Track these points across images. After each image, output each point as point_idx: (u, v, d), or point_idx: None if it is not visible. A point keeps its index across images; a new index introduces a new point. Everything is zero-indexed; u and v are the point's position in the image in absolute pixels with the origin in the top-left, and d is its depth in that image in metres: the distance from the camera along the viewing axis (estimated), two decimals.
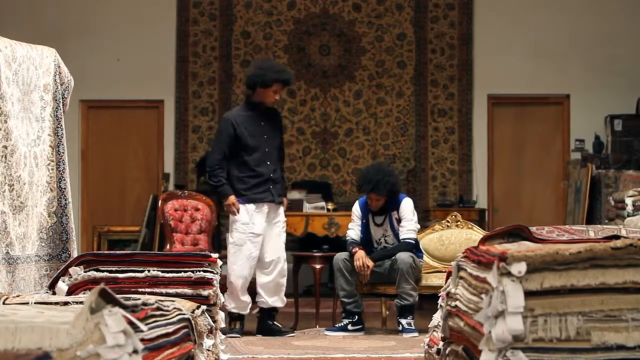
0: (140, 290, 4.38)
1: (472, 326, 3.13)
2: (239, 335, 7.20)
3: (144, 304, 2.94)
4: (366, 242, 7.79)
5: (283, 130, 7.82)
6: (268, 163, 7.31)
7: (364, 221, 7.80)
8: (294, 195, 9.40)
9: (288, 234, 7.78)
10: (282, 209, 7.42)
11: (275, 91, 7.28)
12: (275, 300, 7.35)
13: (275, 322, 7.43)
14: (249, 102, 7.41)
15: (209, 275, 4.48)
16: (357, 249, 7.61)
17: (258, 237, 7.24)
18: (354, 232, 7.81)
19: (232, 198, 7.20)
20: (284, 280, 7.39)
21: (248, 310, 7.38)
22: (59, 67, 5.32)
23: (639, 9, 11.50)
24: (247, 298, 7.32)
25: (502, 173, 11.60)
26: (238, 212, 7.20)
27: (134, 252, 5.11)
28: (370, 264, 7.57)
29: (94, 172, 11.56)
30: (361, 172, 8.03)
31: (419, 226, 7.89)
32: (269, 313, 7.40)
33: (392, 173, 7.78)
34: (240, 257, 7.20)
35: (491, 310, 2.92)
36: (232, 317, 7.31)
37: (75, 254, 5.14)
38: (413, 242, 7.72)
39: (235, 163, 7.28)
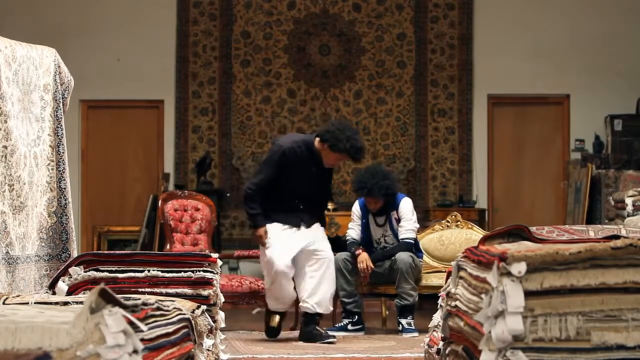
0: (140, 290, 4.39)
1: (472, 326, 3.13)
2: (275, 336, 7.03)
3: (144, 304, 2.94)
4: (366, 241, 7.80)
5: (331, 179, 7.37)
6: (301, 207, 6.96)
7: (364, 221, 7.81)
8: None
9: None
10: (317, 226, 7.07)
11: (339, 159, 7.01)
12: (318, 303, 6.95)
13: (317, 327, 7.01)
14: (310, 143, 6.97)
15: (209, 275, 4.48)
16: (360, 250, 7.62)
17: (291, 248, 6.85)
18: (354, 232, 7.81)
19: (262, 230, 6.86)
20: (328, 280, 7.02)
21: (285, 309, 7.09)
22: (59, 67, 5.32)
23: (639, 9, 11.50)
24: (288, 294, 6.93)
25: (502, 173, 11.60)
26: (265, 244, 6.85)
27: (134, 252, 5.11)
28: (373, 266, 7.59)
29: (94, 172, 11.56)
30: (356, 176, 8.00)
31: (418, 226, 7.89)
32: (312, 318, 7.00)
33: (387, 176, 7.73)
34: (273, 269, 6.79)
35: (491, 310, 2.92)
36: (269, 317, 7.07)
37: (75, 254, 5.14)
38: (412, 241, 7.72)
39: (272, 189, 6.94)
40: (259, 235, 6.88)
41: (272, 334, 7.10)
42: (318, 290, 6.93)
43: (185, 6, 11.56)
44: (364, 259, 7.55)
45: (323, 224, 7.22)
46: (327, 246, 7.06)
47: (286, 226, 6.92)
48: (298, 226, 6.94)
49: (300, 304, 6.99)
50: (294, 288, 7.02)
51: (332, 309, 7.11)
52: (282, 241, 6.84)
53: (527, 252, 2.94)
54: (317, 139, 6.97)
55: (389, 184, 7.64)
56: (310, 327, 6.96)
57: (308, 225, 6.99)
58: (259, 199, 6.93)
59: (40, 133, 5.13)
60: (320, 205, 7.19)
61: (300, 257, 6.96)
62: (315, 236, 7.00)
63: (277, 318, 7.08)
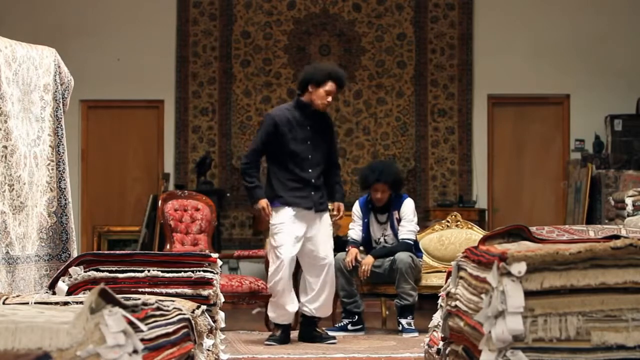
0: (140, 290, 4.39)
1: (472, 326, 3.13)
2: (275, 344, 6.75)
3: (144, 304, 2.94)
4: (366, 241, 7.82)
5: (334, 136, 7.15)
6: (310, 170, 6.78)
7: (365, 220, 7.82)
8: None
9: None
10: (326, 217, 6.92)
11: (328, 92, 6.73)
12: (318, 308, 6.88)
13: (317, 329, 6.97)
14: (297, 101, 6.86)
15: (209, 275, 4.48)
16: (350, 247, 7.71)
17: (299, 241, 6.75)
18: (354, 232, 7.83)
19: (263, 202, 6.72)
20: (329, 286, 6.94)
21: (291, 321, 6.93)
22: (59, 67, 5.32)
23: (639, 9, 11.50)
24: (290, 307, 6.82)
25: (502, 173, 11.60)
26: (269, 215, 6.73)
27: (134, 252, 5.11)
28: (370, 261, 7.62)
29: (94, 172, 11.56)
30: (364, 168, 8.06)
31: (418, 228, 7.91)
32: (310, 319, 6.95)
33: (395, 167, 7.86)
34: (281, 259, 6.68)
35: (491, 310, 2.92)
36: (275, 324, 6.93)
37: (75, 254, 5.15)
38: (412, 242, 7.73)
39: (276, 164, 6.81)
40: (261, 207, 6.73)
41: (274, 340, 6.87)
42: (319, 298, 6.88)
43: (185, 6, 11.56)
44: (351, 253, 7.63)
45: (341, 197, 7.00)
46: (329, 250, 6.93)
47: (297, 210, 6.73)
48: (310, 208, 6.75)
49: (300, 305, 6.92)
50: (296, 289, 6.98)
51: (331, 311, 7.06)
52: (289, 230, 6.70)
53: (527, 252, 2.94)
54: (299, 91, 6.87)
55: (397, 171, 7.75)
56: (309, 328, 6.94)
57: (318, 209, 6.80)
58: (255, 171, 6.85)
59: (40, 133, 5.13)
60: (329, 173, 6.95)
61: (303, 258, 6.89)
62: (320, 236, 6.86)
63: (278, 331, 6.90)
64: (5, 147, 4.80)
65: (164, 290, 4.42)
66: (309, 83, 6.76)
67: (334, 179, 7.00)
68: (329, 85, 6.73)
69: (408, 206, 7.76)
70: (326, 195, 6.93)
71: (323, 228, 6.87)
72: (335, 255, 7.66)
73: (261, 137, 6.84)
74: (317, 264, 6.85)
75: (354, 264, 7.63)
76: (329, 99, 6.77)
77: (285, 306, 6.79)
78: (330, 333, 7.20)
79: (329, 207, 7.05)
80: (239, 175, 11.48)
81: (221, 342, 4.61)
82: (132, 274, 4.47)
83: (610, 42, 11.43)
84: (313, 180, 6.78)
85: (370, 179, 7.68)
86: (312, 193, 6.78)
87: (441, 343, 3.81)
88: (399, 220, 7.73)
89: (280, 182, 6.78)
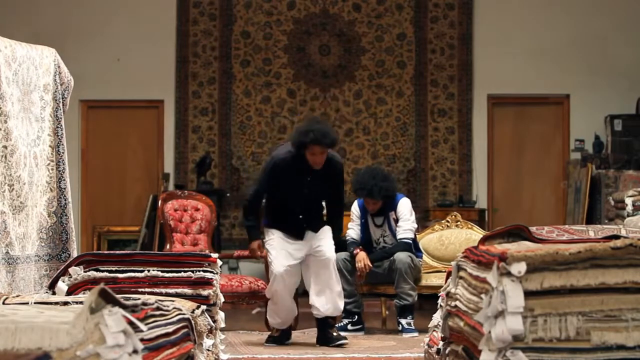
0: (140, 290, 4.39)
1: (472, 326, 3.13)
2: (274, 345, 6.77)
3: (144, 304, 2.94)
4: (365, 242, 7.80)
5: (340, 183, 6.96)
6: (300, 217, 6.78)
7: (363, 221, 7.81)
8: None
9: None
10: (325, 231, 6.88)
11: (313, 153, 6.64)
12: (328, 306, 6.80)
13: (329, 330, 6.84)
14: (298, 152, 6.75)
15: (208, 275, 4.48)
16: (358, 250, 7.61)
17: (293, 254, 6.74)
18: (354, 231, 7.81)
19: (255, 244, 6.90)
20: (334, 283, 6.82)
21: (285, 326, 6.90)
22: (58, 67, 5.32)
23: (639, 9, 11.50)
24: (287, 314, 6.83)
25: (502, 173, 11.60)
26: (260, 256, 6.99)
27: (134, 252, 5.11)
28: (371, 265, 7.58)
29: (94, 172, 11.56)
30: (356, 176, 7.98)
31: (416, 225, 7.89)
32: (324, 322, 6.85)
33: (386, 177, 7.71)
34: (273, 272, 6.71)
35: (491, 310, 2.91)
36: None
37: (75, 254, 5.15)
38: (411, 241, 7.72)
39: (272, 197, 6.86)
40: (252, 248, 6.93)
41: (272, 341, 6.89)
42: (323, 296, 6.80)
43: (185, 6, 11.56)
44: (361, 258, 7.55)
45: (337, 231, 7.00)
46: (328, 244, 6.83)
47: (288, 236, 6.81)
48: (300, 238, 6.79)
49: (313, 310, 6.85)
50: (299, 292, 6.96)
51: (342, 307, 6.91)
52: (281, 246, 6.75)
53: (527, 252, 2.94)
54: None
55: (388, 185, 7.64)
56: (323, 331, 6.86)
57: (313, 231, 6.83)
58: (255, 211, 6.93)
59: (40, 133, 5.13)
60: (321, 216, 6.98)
61: (307, 257, 6.85)
62: (319, 234, 6.83)
63: (277, 332, 6.92)
64: (5, 147, 4.80)
65: (163, 290, 4.42)
66: (295, 144, 6.71)
67: (332, 219, 6.97)
68: (313, 149, 6.65)
69: (404, 205, 7.74)
70: (321, 227, 6.91)
71: (321, 232, 6.85)
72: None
73: (266, 179, 6.84)
74: (319, 261, 6.80)
75: (367, 270, 7.55)
76: (320, 158, 6.69)
77: (282, 314, 6.84)
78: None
79: None
80: (239, 175, 11.50)
81: (221, 342, 4.61)
82: (132, 274, 4.47)
83: (610, 42, 11.43)
84: (302, 217, 6.80)
85: (359, 195, 7.71)
86: (302, 226, 6.80)
87: (441, 343, 3.81)
88: (397, 220, 7.72)
89: (273, 214, 6.87)
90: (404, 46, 11.56)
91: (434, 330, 4.33)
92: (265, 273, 7.79)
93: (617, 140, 10.84)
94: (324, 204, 7.03)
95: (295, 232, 6.80)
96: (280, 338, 6.88)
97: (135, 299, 2.94)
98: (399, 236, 7.69)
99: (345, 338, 6.81)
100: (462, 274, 3.40)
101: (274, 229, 6.84)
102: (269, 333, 7.08)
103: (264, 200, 7.00)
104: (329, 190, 6.88)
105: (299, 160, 6.73)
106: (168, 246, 8.19)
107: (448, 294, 3.56)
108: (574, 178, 10.80)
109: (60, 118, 5.28)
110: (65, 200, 5.23)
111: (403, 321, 7.54)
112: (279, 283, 6.72)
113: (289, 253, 6.76)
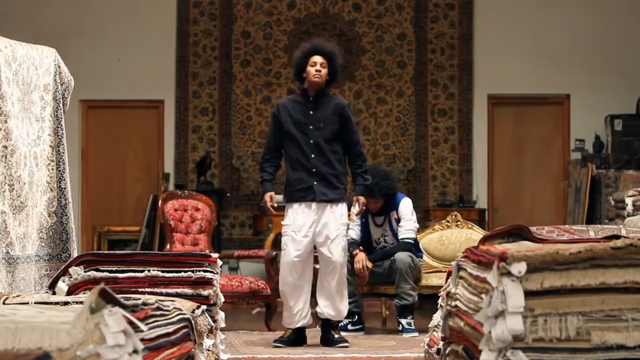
0: (140, 290, 4.39)
1: (472, 326, 3.13)
2: (282, 345, 6.58)
3: (144, 304, 2.94)
4: (365, 242, 7.80)
5: (350, 123, 6.70)
6: (312, 156, 6.54)
7: (363, 220, 7.80)
8: None
9: None
10: (337, 212, 6.61)
11: (314, 64, 6.57)
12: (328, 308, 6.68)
13: (332, 332, 6.72)
14: (301, 89, 6.76)
15: (209, 275, 4.48)
16: (357, 250, 7.60)
17: (301, 240, 6.54)
18: (353, 232, 7.80)
19: (267, 195, 6.62)
20: (337, 287, 6.65)
21: (298, 325, 6.66)
22: (59, 67, 5.32)
23: (639, 9, 11.50)
24: (296, 310, 6.61)
25: (502, 173, 11.60)
26: (271, 210, 6.64)
27: (134, 252, 5.11)
28: (370, 265, 7.57)
29: (94, 172, 11.56)
30: None
31: (417, 226, 7.89)
32: (327, 323, 6.73)
33: (387, 176, 7.70)
34: (283, 260, 6.57)
35: (491, 310, 2.92)
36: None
37: (75, 254, 5.15)
38: (412, 241, 7.72)
39: (287, 157, 6.67)
40: (263, 203, 6.71)
41: (282, 342, 6.71)
42: (331, 300, 6.68)
43: (185, 6, 11.56)
44: (360, 259, 7.53)
45: (361, 190, 6.72)
46: (335, 248, 6.60)
47: (300, 206, 6.56)
48: (311, 200, 6.55)
49: (317, 308, 6.76)
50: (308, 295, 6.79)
51: (345, 312, 6.82)
52: (295, 233, 6.55)
53: (527, 252, 2.94)
54: (300, 81, 6.73)
55: (389, 184, 7.63)
56: (324, 332, 6.77)
57: (320, 199, 6.53)
58: (267, 166, 6.71)
59: (40, 133, 5.13)
60: (351, 163, 6.74)
61: (319, 257, 6.74)
62: (327, 233, 6.59)
63: (288, 332, 6.74)
64: (5, 147, 4.80)
65: (164, 290, 4.42)
66: (299, 69, 6.66)
67: (355, 169, 6.76)
68: (314, 58, 6.60)
69: (406, 205, 7.74)
70: (342, 187, 6.68)
71: (331, 224, 6.59)
72: None
73: (273, 129, 6.75)
74: (324, 262, 6.68)
75: (366, 271, 7.53)
76: (320, 71, 6.59)
77: (290, 309, 6.65)
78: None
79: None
80: (239, 175, 11.50)
81: (221, 342, 4.61)
82: (132, 274, 4.47)
83: (610, 42, 11.43)
84: (314, 170, 6.56)
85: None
86: (315, 183, 6.55)
87: (441, 343, 3.81)
88: (398, 220, 7.72)
89: (288, 177, 6.68)
90: (404, 46, 11.56)
91: (434, 330, 4.33)
92: (265, 273, 7.80)
93: (617, 140, 10.84)
94: (337, 162, 6.66)
95: (305, 194, 6.53)
96: (289, 340, 6.67)
97: (135, 299, 2.94)
98: (400, 236, 7.69)
99: (346, 341, 6.73)
100: (462, 274, 3.40)
101: (287, 201, 6.62)
102: (269, 333, 7.06)
103: (282, 163, 6.85)
104: (337, 130, 6.64)
105: (301, 97, 6.72)
106: (168, 246, 8.19)
107: (448, 294, 3.56)
108: (574, 178, 10.80)
109: (61, 118, 5.29)
110: (66, 200, 5.23)
111: (403, 321, 7.54)
112: (287, 272, 6.56)
113: (299, 240, 6.53)
